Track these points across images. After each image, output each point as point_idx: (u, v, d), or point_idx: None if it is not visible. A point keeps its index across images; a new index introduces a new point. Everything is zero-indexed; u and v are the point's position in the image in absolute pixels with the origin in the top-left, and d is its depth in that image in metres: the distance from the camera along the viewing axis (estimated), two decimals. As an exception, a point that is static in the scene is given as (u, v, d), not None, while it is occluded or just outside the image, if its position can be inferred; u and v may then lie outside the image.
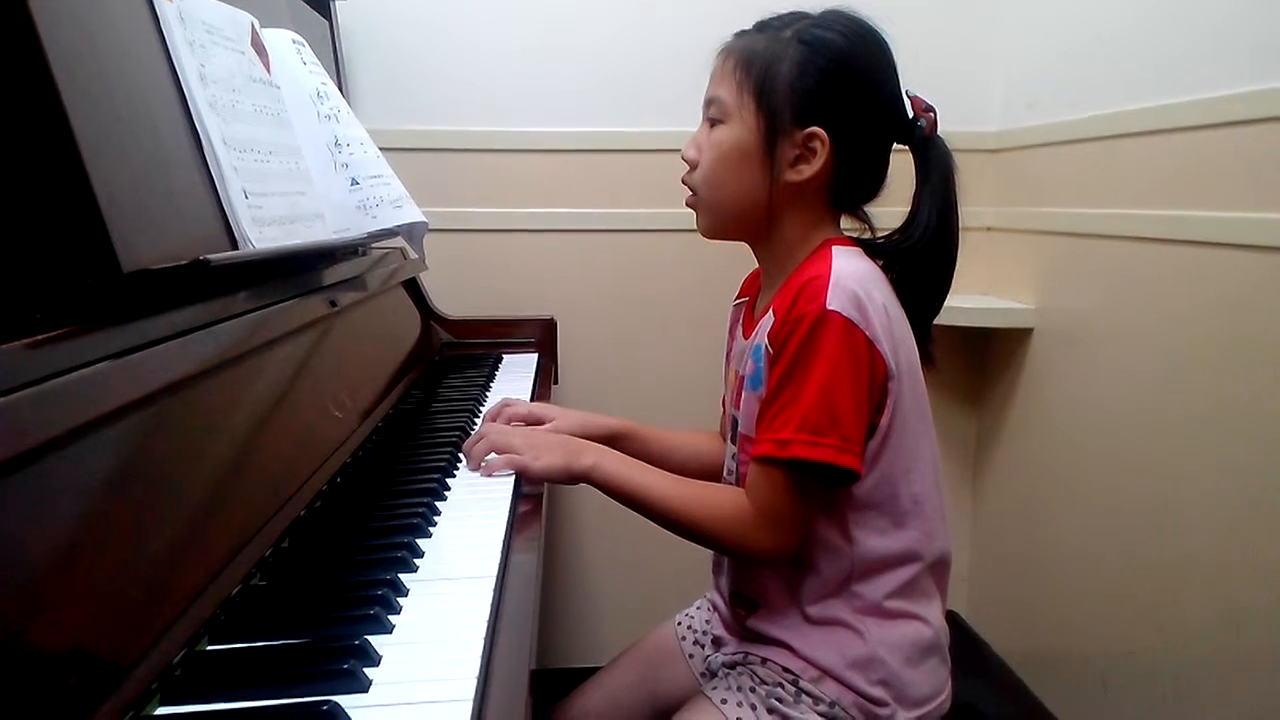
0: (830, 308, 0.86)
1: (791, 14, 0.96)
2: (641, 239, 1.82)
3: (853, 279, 0.88)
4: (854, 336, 0.86)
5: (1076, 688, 1.57)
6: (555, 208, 1.82)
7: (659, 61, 1.77)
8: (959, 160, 0.98)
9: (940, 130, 0.97)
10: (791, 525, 0.90)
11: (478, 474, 0.97)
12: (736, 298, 1.12)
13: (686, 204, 1.02)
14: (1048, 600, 1.70)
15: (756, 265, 1.06)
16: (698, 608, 1.18)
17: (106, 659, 0.51)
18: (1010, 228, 1.82)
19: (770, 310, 0.93)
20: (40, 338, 0.54)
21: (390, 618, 0.65)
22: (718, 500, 0.93)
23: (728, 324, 1.12)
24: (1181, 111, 1.33)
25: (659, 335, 1.88)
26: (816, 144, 0.92)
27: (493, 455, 0.97)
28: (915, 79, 1.01)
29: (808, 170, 0.93)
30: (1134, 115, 1.43)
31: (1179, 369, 1.33)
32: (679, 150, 1.00)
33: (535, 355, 1.66)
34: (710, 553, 1.07)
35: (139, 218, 0.70)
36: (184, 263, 0.70)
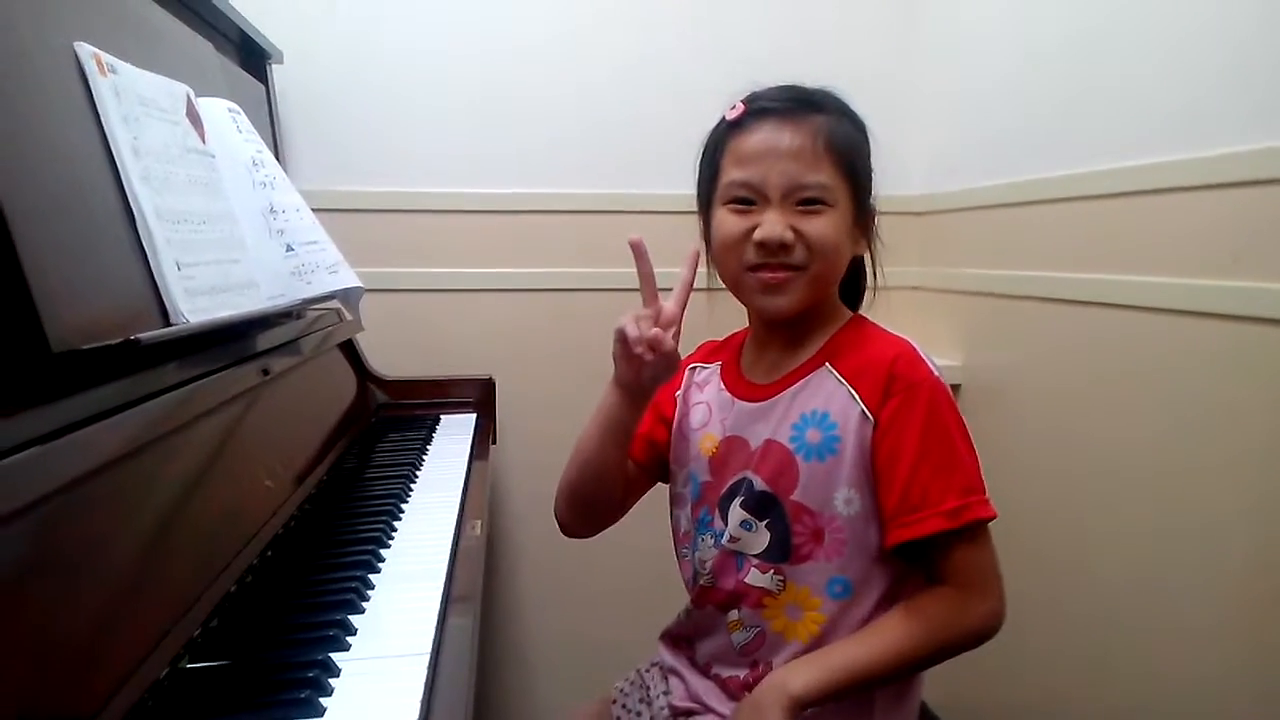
0: (936, 375, 0.94)
1: (823, 92, 0.98)
2: (575, 298, 1.84)
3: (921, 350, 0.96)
4: (954, 401, 0.95)
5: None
6: (491, 268, 1.83)
7: (593, 126, 1.81)
8: (887, 222, 1.04)
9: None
10: (995, 581, 0.93)
11: (414, 541, 0.97)
12: (694, 361, 1.12)
13: (776, 282, 0.95)
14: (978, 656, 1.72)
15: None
16: (636, 678, 1.15)
17: (26, 756, 0.50)
18: (936, 287, 1.88)
19: (838, 380, 0.96)
20: (-36, 425, 0.53)
21: (321, 700, 0.65)
22: (926, 612, 0.92)
23: (682, 389, 1.11)
24: (1092, 180, 1.39)
25: (596, 393, 1.88)
26: (870, 220, 1.00)
27: None
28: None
29: (865, 245, 1.01)
30: (1047, 183, 1.50)
31: (1099, 426, 1.38)
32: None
33: (474, 415, 1.66)
34: (654, 625, 1.06)
35: (69, 296, 0.69)
36: (114, 342, 0.69)
